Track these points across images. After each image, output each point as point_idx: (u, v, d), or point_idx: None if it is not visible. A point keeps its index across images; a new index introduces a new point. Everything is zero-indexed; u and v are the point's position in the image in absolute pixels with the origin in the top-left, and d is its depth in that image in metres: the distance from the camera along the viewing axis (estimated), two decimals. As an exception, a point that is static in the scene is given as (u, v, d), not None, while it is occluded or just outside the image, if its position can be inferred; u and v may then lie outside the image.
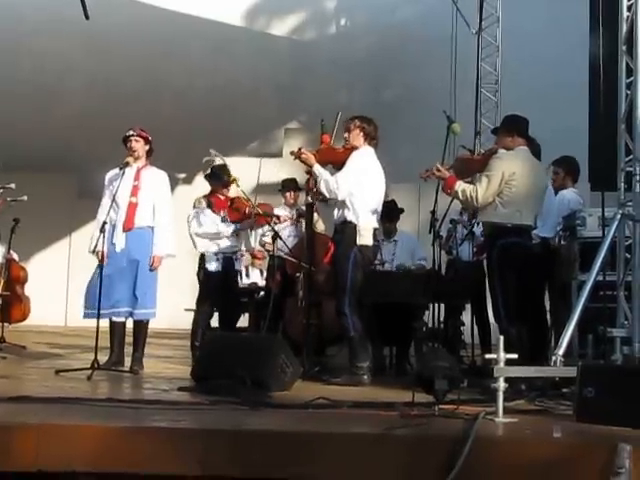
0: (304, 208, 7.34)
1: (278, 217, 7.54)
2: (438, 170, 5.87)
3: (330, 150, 6.39)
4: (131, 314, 6.61)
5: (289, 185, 8.21)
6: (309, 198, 6.70)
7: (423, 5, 14.16)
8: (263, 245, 8.13)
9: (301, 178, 7.34)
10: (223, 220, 7.38)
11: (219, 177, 7.45)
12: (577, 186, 7.28)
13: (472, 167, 6.23)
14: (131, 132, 6.79)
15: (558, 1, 13.21)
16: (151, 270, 6.61)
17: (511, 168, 5.78)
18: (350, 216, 6.13)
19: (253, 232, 7.82)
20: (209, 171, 7.58)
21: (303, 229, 7.56)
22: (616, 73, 5.73)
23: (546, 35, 13.45)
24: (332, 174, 6.21)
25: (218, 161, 7.66)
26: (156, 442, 3.82)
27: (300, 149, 6.32)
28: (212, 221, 7.35)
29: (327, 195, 6.19)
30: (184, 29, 14.35)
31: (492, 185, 5.72)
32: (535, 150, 6.64)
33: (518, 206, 5.79)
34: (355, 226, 6.12)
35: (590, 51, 6.51)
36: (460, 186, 5.81)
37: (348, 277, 6.06)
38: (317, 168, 6.19)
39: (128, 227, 6.60)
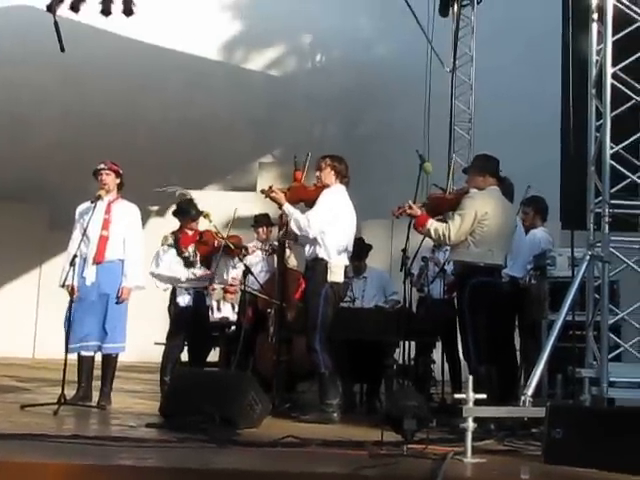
0: (277, 243, 7.33)
1: (246, 248, 7.52)
2: (410, 207, 5.90)
3: (301, 188, 6.41)
4: (100, 348, 6.55)
5: (262, 220, 8.22)
6: (282, 234, 6.69)
7: (398, 43, 14.32)
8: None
9: (274, 213, 7.35)
10: (189, 258, 7.30)
11: (187, 211, 7.41)
12: (547, 225, 7.36)
13: (444, 205, 6.27)
14: (102, 165, 6.79)
15: (531, 41, 13.46)
16: (118, 302, 6.57)
17: (484, 208, 5.83)
18: (322, 253, 6.14)
19: (225, 265, 7.76)
20: (175, 207, 7.54)
21: (275, 264, 7.55)
22: (587, 115, 5.81)
23: (519, 74, 13.66)
24: (303, 212, 6.22)
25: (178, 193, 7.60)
26: (122, 481, 3.77)
27: (271, 187, 6.32)
28: (171, 262, 7.27)
29: (298, 233, 6.20)
30: (160, 62, 14.40)
31: (465, 224, 5.76)
32: (508, 190, 6.72)
33: (490, 245, 5.84)
34: (326, 263, 6.12)
35: (562, 93, 6.62)
36: (432, 224, 5.85)
37: (319, 313, 6.05)
38: (287, 207, 6.21)
39: (98, 260, 6.58)
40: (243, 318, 7.57)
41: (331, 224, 6.15)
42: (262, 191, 6.37)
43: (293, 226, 6.16)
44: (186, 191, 7.59)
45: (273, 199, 6.24)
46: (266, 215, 8.23)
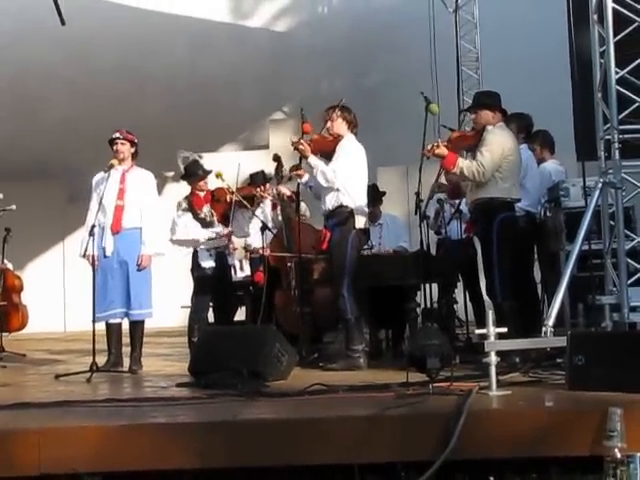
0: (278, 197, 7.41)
1: (260, 196, 7.56)
2: (438, 147, 5.83)
3: (322, 140, 6.45)
4: (127, 315, 6.65)
5: (257, 179, 8.16)
6: (282, 186, 6.73)
7: (398, -13, 14.18)
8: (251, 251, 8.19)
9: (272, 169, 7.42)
10: (205, 219, 7.37)
11: (193, 173, 7.45)
12: (558, 157, 7.32)
13: (466, 143, 6.25)
14: (117, 135, 6.82)
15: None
16: (139, 270, 6.63)
17: (508, 143, 5.86)
18: (346, 200, 6.23)
19: (243, 217, 7.77)
20: (183, 171, 7.57)
21: (280, 219, 7.61)
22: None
23: (524, 8, 13.47)
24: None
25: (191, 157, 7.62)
26: (156, 438, 3.87)
27: (300, 139, 6.35)
28: (187, 226, 7.31)
29: (324, 184, 6.24)
30: (162, 28, 14.35)
31: (495, 160, 5.75)
32: (529, 124, 6.76)
33: (513, 180, 5.89)
34: (352, 210, 6.23)
35: (568, 22, 6.55)
36: (464, 163, 5.82)
37: (347, 260, 6.15)
38: (312, 159, 6.29)
39: (116, 230, 6.63)
40: (255, 277, 7.70)
41: (353, 172, 6.27)
42: (292, 143, 6.39)
43: (319, 178, 6.23)
44: (190, 153, 7.60)
45: (300, 151, 6.30)
46: (261, 172, 8.22)
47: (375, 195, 7.67)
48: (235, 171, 7.57)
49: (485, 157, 5.75)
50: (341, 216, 6.24)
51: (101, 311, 6.50)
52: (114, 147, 6.79)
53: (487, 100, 6.17)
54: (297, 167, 6.47)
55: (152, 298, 6.78)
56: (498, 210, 5.81)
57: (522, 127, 6.68)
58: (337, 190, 6.24)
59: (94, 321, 6.36)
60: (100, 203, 6.59)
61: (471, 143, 6.10)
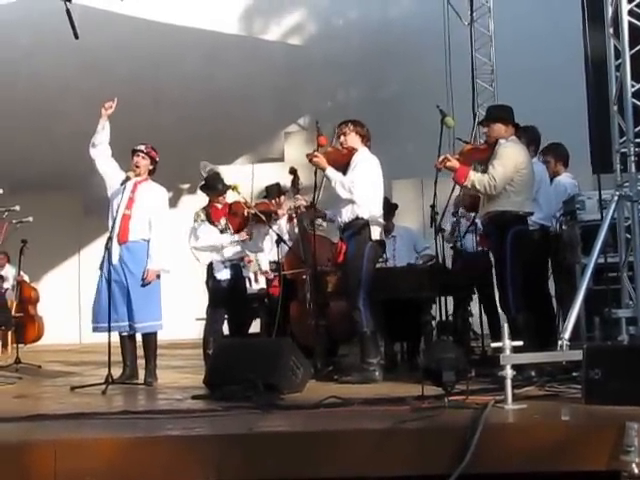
0: (294, 210, 7.43)
1: (276, 212, 7.59)
2: (448, 160, 5.85)
3: (336, 152, 6.48)
4: (133, 328, 6.60)
5: (272, 191, 8.18)
6: (298, 197, 6.75)
7: (414, 0, 14.22)
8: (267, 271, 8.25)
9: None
10: (223, 231, 7.40)
11: (213, 186, 7.47)
12: (575, 170, 7.29)
13: (478, 157, 6.24)
14: (141, 147, 6.79)
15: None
16: (144, 285, 6.57)
17: (521, 157, 5.86)
18: (362, 213, 6.24)
19: (259, 233, 7.80)
20: (202, 182, 7.60)
21: (297, 231, 7.62)
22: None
23: (538, 20, 13.48)
24: None
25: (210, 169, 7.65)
26: (171, 450, 3.88)
27: (315, 152, 6.37)
28: (209, 232, 7.36)
29: (343, 196, 6.26)
30: (177, 40, 14.43)
31: (507, 173, 5.75)
32: (536, 137, 6.73)
33: (527, 194, 5.88)
34: (367, 222, 6.24)
35: (584, 35, 6.55)
36: (475, 176, 5.82)
37: (363, 272, 6.16)
38: (330, 171, 6.31)
39: (123, 240, 6.58)
40: (271, 289, 7.70)
41: (369, 184, 6.29)
42: (307, 155, 6.42)
43: (339, 189, 6.25)
44: (212, 165, 7.64)
45: (316, 163, 6.32)
46: (276, 185, 8.23)
47: (387, 208, 7.65)
48: (254, 184, 7.60)
49: (497, 170, 5.75)
50: (357, 228, 6.25)
51: (112, 322, 6.44)
52: (134, 158, 6.78)
53: (500, 113, 6.16)
54: (312, 205, 6.56)
55: (160, 310, 6.72)
56: (510, 223, 5.80)
57: (531, 140, 6.66)
58: (353, 202, 6.25)
59: (109, 332, 6.33)
60: (115, 214, 6.59)
61: (483, 156, 6.10)
